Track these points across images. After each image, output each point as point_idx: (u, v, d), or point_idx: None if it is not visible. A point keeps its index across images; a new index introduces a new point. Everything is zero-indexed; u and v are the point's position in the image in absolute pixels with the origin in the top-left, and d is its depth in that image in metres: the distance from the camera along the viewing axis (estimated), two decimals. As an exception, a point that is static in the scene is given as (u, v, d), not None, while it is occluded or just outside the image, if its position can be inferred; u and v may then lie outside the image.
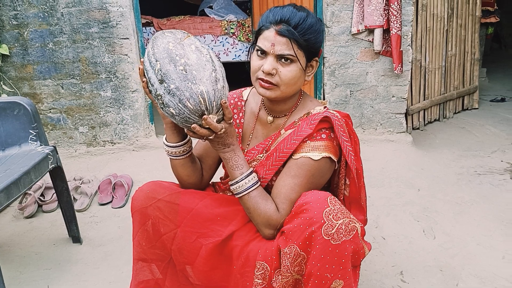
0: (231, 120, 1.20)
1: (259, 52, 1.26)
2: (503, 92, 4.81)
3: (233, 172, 1.26)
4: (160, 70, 1.14)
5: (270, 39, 1.22)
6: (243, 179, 1.25)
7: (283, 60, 1.23)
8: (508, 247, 1.96)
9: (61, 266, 1.97)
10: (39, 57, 2.99)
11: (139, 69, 1.20)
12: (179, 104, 1.13)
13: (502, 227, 2.14)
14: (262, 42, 1.24)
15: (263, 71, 1.24)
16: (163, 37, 1.19)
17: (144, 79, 1.20)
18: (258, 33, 1.27)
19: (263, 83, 1.25)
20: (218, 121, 1.18)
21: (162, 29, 4.85)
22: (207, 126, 1.15)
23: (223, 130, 1.18)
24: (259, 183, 1.27)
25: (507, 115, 3.98)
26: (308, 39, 1.24)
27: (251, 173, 1.26)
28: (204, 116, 1.13)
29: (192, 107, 1.12)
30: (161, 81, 1.14)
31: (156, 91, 1.15)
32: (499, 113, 4.03)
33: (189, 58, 1.14)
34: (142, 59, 1.22)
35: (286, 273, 1.16)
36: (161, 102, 1.15)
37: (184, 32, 1.22)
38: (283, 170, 1.28)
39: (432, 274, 1.81)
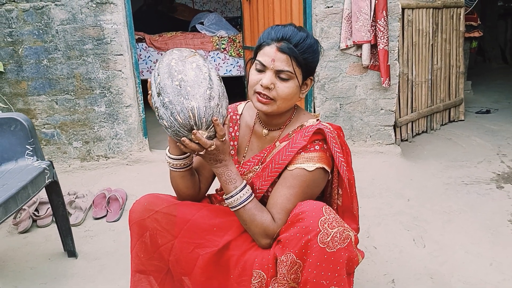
0: (224, 138, 1.22)
1: (258, 66, 1.30)
2: (488, 104, 4.93)
3: (226, 186, 1.28)
4: (159, 84, 1.19)
5: (270, 54, 1.27)
6: (237, 193, 1.27)
7: (281, 76, 1.28)
8: (495, 254, 2.02)
9: (56, 281, 1.97)
10: (33, 73, 3.02)
11: (148, 82, 1.26)
12: (170, 117, 1.17)
13: (489, 235, 2.20)
14: (262, 57, 1.29)
15: (261, 85, 1.28)
16: (170, 54, 1.25)
17: (150, 92, 1.24)
18: (258, 49, 1.32)
19: (260, 97, 1.30)
20: (210, 138, 1.21)
21: (154, 45, 4.93)
22: (197, 141, 1.19)
23: (213, 146, 1.20)
24: (253, 195, 1.30)
25: (492, 126, 4.08)
26: (306, 58, 1.29)
27: (244, 186, 1.28)
28: (193, 131, 1.17)
29: (181, 121, 1.16)
30: (159, 94, 1.19)
31: (155, 103, 1.21)
32: (485, 125, 4.13)
33: (187, 74, 1.18)
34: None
35: (283, 280, 1.19)
36: (157, 114, 1.21)
37: (191, 51, 1.27)
38: (279, 181, 1.31)
39: (422, 282, 1.85)
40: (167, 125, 1.19)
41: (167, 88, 1.17)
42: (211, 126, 1.19)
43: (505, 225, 2.29)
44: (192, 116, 1.16)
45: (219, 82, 1.23)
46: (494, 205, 2.52)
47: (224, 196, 1.31)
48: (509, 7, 7.50)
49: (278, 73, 1.28)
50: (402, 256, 2.05)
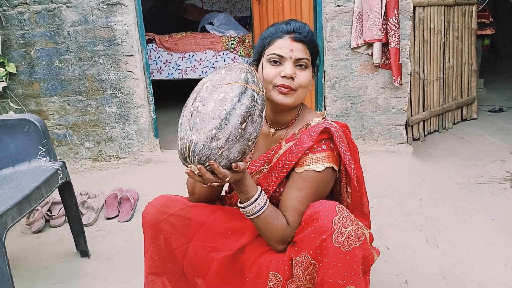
0: (227, 178, 1.15)
1: (272, 61, 1.30)
2: (501, 102, 4.87)
3: (239, 195, 1.26)
4: (188, 99, 1.18)
5: (286, 45, 1.29)
6: (249, 205, 1.24)
7: (300, 64, 1.31)
8: (510, 255, 1.99)
9: (69, 280, 1.99)
10: (45, 74, 3.05)
11: None
12: (178, 136, 1.16)
13: (503, 235, 2.17)
14: (277, 50, 1.30)
15: (285, 76, 1.28)
16: (215, 73, 1.19)
17: None
18: (267, 45, 1.33)
19: (283, 89, 1.29)
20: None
21: (164, 46, 4.95)
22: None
23: (215, 183, 1.15)
24: (267, 204, 1.26)
25: (505, 125, 4.03)
26: (314, 46, 1.35)
27: (258, 197, 1.25)
28: (187, 165, 1.14)
29: (179, 148, 1.15)
30: (182, 110, 1.18)
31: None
32: (498, 123, 4.08)
33: (205, 104, 1.12)
34: None
35: (298, 282, 1.19)
36: None
37: (238, 74, 1.17)
38: (288, 183, 1.31)
39: (436, 282, 1.84)
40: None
41: (185, 110, 1.16)
42: (207, 165, 1.12)
43: (520, 225, 2.26)
44: (187, 149, 1.12)
45: (237, 123, 1.11)
46: (508, 204, 2.49)
47: (238, 205, 1.28)
48: (522, 3, 7.39)
49: (296, 61, 1.30)
50: (415, 256, 2.03)
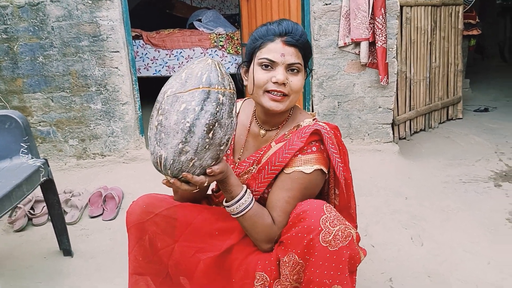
0: (206, 183, 1.14)
1: (264, 66, 1.27)
2: (486, 102, 4.92)
3: (225, 194, 1.26)
4: (153, 111, 1.14)
5: (278, 50, 1.25)
6: (234, 204, 1.24)
7: (292, 69, 1.27)
8: (493, 253, 2.01)
9: (52, 279, 1.96)
10: (29, 70, 3.00)
11: None
12: (150, 148, 1.14)
13: (487, 233, 2.19)
14: (268, 54, 1.26)
15: (276, 82, 1.25)
16: (176, 77, 1.12)
17: None
18: (259, 47, 1.28)
19: (275, 95, 1.26)
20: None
21: (151, 42, 4.91)
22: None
23: (195, 190, 1.15)
24: (253, 202, 1.26)
25: (490, 124, 4.07)
26: (307, 49, 1.31)
27: (243, 196, 1.24)
28: (164, 179, 1.14)
29: (152, 161, 1.13)
30: (150, 120, 1.15)
31: None
32: (483, 123, 4.13)
33: (167, 118, 1.07)
34: None
35: (285, 282, 1.18)
36: None
37: (200, 78, 1.09)
38: (276, 183, 1.29)
39: (420, 281, 1.85)
40: None
41: (151, 122, 1.13)
42: (179, 177, 1.11)
43: (503, 224, 2.28)
44: (159, 163, 1.10)
45: (203, 133, 1.06)
46: (492, 203, 2.52)
47: (224, 203, 1.28)
48: (508, 5, 7.49)
49: (289, 66, 1.26)
50: (400, 254, 2.04)
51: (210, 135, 1.07)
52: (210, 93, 1.08)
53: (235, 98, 1.16)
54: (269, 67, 1.26)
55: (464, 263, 1.95)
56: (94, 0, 2.90)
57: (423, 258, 2.00)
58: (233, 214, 1.25)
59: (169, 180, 1.12)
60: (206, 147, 1.08)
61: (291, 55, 1.26)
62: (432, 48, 3.88)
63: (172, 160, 1.07)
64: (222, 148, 1.12)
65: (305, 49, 1.30)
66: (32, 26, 2.93)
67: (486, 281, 1.82)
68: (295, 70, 1.28)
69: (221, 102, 1.08)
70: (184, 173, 1.09)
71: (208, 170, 1.12)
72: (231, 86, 1.13)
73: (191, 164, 1.09)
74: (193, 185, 1.13)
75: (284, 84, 1.25)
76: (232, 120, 1.13)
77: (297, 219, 1.17)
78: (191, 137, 1.06)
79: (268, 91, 1.27)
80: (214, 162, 1.13)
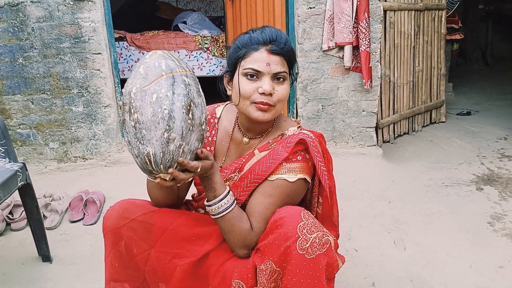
0: (198, 170, 1.13)
1: (249, 76, 1.24)
2: (469, 106, 4.99)
3: (206, 193, 1.25)
4: (122, 116, 1.10)
5: (263, 59, 1.23)
6: (216, 203, 1.23)
7: (277, 78, 1.25)
8: (475, 256, 2.03)
9: (30, 286, 1.92)
10: (8, 72, 2.94)
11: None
12: (131, 155, 1.11)
13: (469, 237, 2.21)
14: (253, 64, 1.23)
15: (263, 93, 1.22)
16: (134, 76, 1.09)
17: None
18: (242, 57, 1.25)
19: (262, 106, 1.24)
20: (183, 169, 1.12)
21: (135, 44, 4.86)
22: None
23: (190, 179, 1.15)
24: (234, 204, 1.25)
25: (472, 128, 4.12)
26: (292, 56, 1.29)
27: (225, 196, 1.23)
28: (156, 176, 1.10)
29: (139, 165, 1.09)
30: (122, 126, 1.12)
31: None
32: (465, 126, 4.18)
33: (143, 113, 1.04)
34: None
35: None
36: None
37: (160, 67, 1.08)
38: (258, 188, 1.28)
39: (403, 285, 1.85)
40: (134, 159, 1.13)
41: (126, 126, 1.08)
42: (175, 166, 1.09)
43: (484, 227, 2.30)
44: (148, 162, 1.07)
45: (184, 115, 1.06)
46: (474, 206, 2.54)
47: (205, 203, 1.26)
48: (490, 9, 7.62)
49: (274, 76, 1.24)
50: (383, 259, 2.04)
51: (190, 115, 1.07)
52: (175, 77, 1.07)
53: (197, 79, 1.15)
54: (255, 76, 1.24)
55: (446, 266, 1.96)
56: (76, 1, 2.86)
57: (406, 262, 2.01)
58: (213, 215, 1.24)
59: (163, 176, 1.09)
60: (190, 129, 1.07)
61: (277, 64, 1.24)
62: (416, 52, 3.91)
63: (161, 153, 1.05)
64: (203, 127, 1.12)
65: (289, 57, 1.28)
66: (11, 27, 2.87)
67: (468, 284, 1.83)
68: (281, 79, 1.26)
69: (187, 83, 1.08)
70: (180, 159, 1.07)
71: (198, 151, 1.11)
72: (188, 68, 1.13)
73: (181, 151, 1.07)
74: (188, 172, 1.11)
75: (270, 94, 1.24)
76: (202, 99, 1.13)
77: (274, 226, 1.16)
78: (173, 122, 1.04)
79: (255, 103, 1.24)
80: (200, 144, 1.13)
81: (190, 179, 1.14)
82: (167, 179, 1.10)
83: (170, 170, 1.07)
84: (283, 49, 1.24)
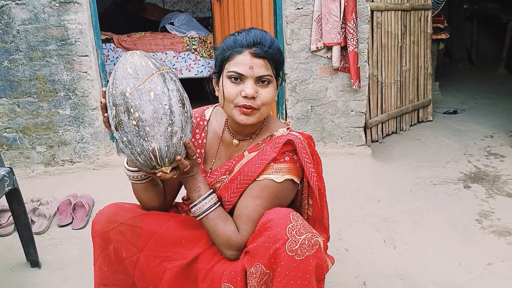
0: (194, 157, 1.21)
1: (232, 78, 1.24)
2: (455, 104, 5.04)
3: (191, 194, 1.27)
4: (116, 118, 1.10)
5: (246, 62, 1.22)
6: (200, 202, 1.25)
7: (261, 81, 1.24)
8: (463, 254, 2.05)
9: (18, 293, 1.90)
10: (-7, 75, 2.89)
11: (101, 103, 1.15)
12: (131, 155, 1.13)
13: (457, 234, 2.23)
14: (236, 67, 1.23)
15: (246, 96, 1.22)
16: (124, 77, 1.10)
17: (106, 115, 1.15)
18: (227, 60, 1.25)
19: (245, 109, 1.23)
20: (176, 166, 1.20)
21: (122, 46, 4.82)
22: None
23: (175, 176, 1.20)
24: (218, 204, 1.27)
25: (459, 126, 4.17)
26: (277, 59, 1.28)
27: (209, 195, 1.26)
28: (157, 171, 1.15)
29: (142, 162, 1.12)
30: (116, 128, 1.12)
31: (113, 133, 1.14)
32: (452, 125, 4.22)
33: (144, 111, 1.08)
34: (104, 89, 1.16)
35: None
36: (118, 142, 1.15)
37: (148, 66, 1.11)
38: (246, 191, 1.28)
39: (393, 283, 1.87)
40: (129, 158, 1.16)
41: (125, 126, 1.10)
42: (181, 155, 1.17)
43: (472, 225, 2.33)
44: (153, 158, 1.11)
45: (181, 109, 1.13)
46: (462, 205, 2.57)
47: (190, 205, 1.28)
48: (475, 9, 7.71)
49: (258, 79, 1.24)
50: (373, 258, 2.06)
51: (186, 108, 1.15)
52: (163, 74, 1.13)
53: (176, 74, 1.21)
54: (238, 80, 1.24)
55: (435, 264, 1.99)
56: (62, 3, 2.83)
57: (396, 260, 2.03)
58: (197, 216, 1.27)
59: (165, 170, 1.16)
60: (186, 121, 1.15)
61: (260, 68, 1.23)
62: (403, 52, 3.95)
63: (166, 147, 1.11)
64: (192, 119, 1.21)
65: (275, 60, 1.26)
66: (-4, 29, 2.83)
67: (456, 282, 1.86)
68: (265, 82, 1.25)
69: (174, 79, 1.15)
70: (178, 157, 1.15)
71: (185, 141, 1.16)
72: (166, 65, 1.18)
73: (181, 143, 1.15)
74: (190, 159, 1.20)
75: (253, 97, 1.23)
76: (185, 93, 1.19)
77: (263, 228, 1.16)
78: (174, 117, 1.11)
79: (238, 106, 1.24)
80: (191, 134, 1.21)
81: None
82: (168, 172, 1.16)
83: (178, 157, 1.15)
84: (267, 52, 1.23)
